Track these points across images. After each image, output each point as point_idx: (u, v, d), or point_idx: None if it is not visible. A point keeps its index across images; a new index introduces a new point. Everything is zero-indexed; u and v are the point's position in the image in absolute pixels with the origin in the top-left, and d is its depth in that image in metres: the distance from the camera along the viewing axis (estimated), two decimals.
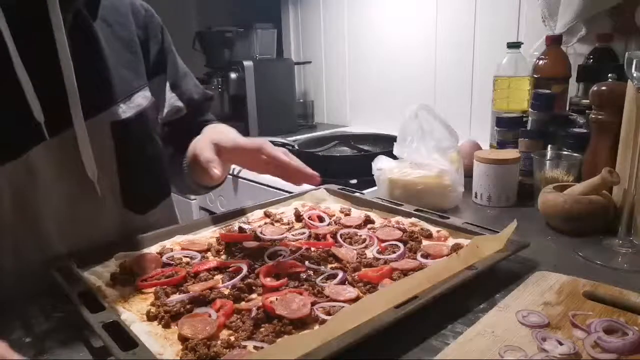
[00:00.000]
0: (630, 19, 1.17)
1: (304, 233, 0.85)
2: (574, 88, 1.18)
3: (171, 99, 0.94)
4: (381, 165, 1.10)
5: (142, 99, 0.84)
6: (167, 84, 0.93)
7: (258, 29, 2.10)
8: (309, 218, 0.91)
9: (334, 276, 0.69)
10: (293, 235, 0.85)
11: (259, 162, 0.80)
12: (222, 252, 0.79)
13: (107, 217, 0.80)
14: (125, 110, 0.81)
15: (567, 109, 1.15)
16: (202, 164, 0.78)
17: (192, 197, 1.78)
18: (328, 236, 0.83)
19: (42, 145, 0.71)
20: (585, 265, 0.77)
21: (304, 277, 0.69)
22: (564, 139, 1.04)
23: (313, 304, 0.61)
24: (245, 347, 0.54)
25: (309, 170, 0.76)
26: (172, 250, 0.79)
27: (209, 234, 0.87)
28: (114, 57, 0.80)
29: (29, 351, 0.57)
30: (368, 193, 1.07)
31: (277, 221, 0.92)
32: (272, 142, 1.59)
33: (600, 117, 0.93)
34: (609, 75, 0.96)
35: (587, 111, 1.02)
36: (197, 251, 0.78)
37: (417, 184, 1.03)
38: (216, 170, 0.74)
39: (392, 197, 1.05)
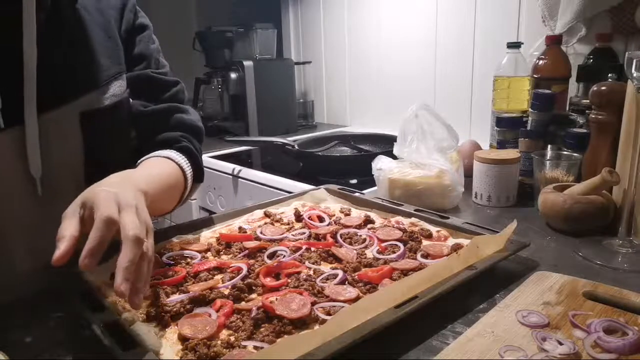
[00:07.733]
0: (630, 19, 1.17)
1: (304, 233, 0.85)
2: (574, 88, 1.17)
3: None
4: (381, 165, 1.10)
5: (118, 87, 0.78)
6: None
7: (258, 29, 2.11)
8: (309, 218, 0.91)
9: (334, 276, 0.69)
10: (293, 235, 0.85)
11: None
12: (222, 252, 0.79)
13: None
14: (99, 100, 0.75)
15: (567, 109, 1.15)
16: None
17: (192, 197, 1.77)
18: (328, 236, 0.83)
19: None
20: (585, 265, 0.77)
21: (304, 277, 0.69)
22: (564, 139, 1.04)
23: (313, 304, 0.61)
24: (245, 347, 0.54)
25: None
26: (172, 250, 0.79)
27: (209, 234, 0.87)
28: (93, 44, 0.75)
29: (29, 351, 0.57)
30: (368, 193, 1.07)
31: (277, 221, 0.92)
32: (272, 142, 1.62)
33: (600, 117, 0.93)
34: (609, 75, 0.96)
35: (587, 111, 1.02)
36: (197, 251, 0.78)
37: (417, 184, 1.03)
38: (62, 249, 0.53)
39: (392, 197, 1.05)
